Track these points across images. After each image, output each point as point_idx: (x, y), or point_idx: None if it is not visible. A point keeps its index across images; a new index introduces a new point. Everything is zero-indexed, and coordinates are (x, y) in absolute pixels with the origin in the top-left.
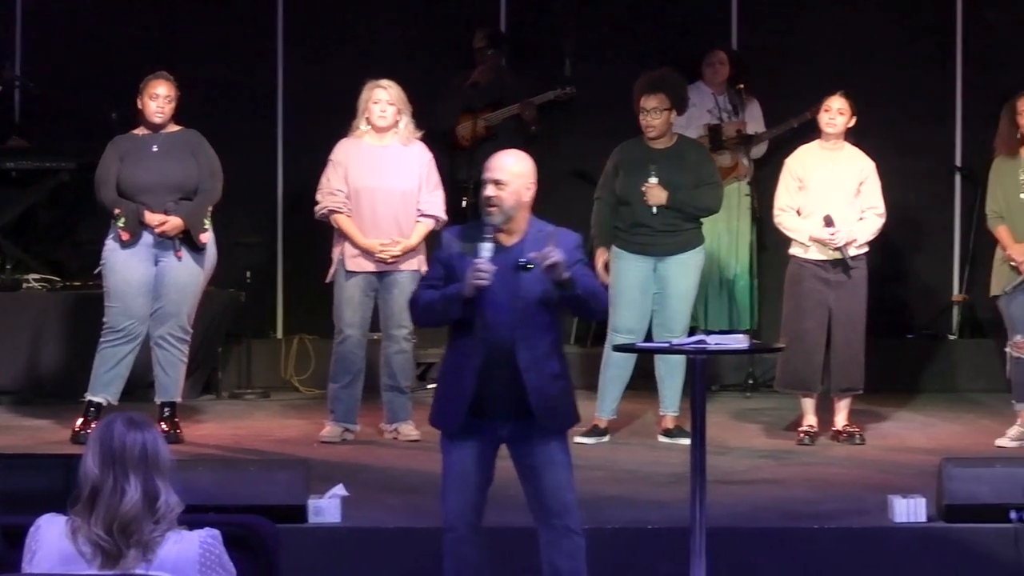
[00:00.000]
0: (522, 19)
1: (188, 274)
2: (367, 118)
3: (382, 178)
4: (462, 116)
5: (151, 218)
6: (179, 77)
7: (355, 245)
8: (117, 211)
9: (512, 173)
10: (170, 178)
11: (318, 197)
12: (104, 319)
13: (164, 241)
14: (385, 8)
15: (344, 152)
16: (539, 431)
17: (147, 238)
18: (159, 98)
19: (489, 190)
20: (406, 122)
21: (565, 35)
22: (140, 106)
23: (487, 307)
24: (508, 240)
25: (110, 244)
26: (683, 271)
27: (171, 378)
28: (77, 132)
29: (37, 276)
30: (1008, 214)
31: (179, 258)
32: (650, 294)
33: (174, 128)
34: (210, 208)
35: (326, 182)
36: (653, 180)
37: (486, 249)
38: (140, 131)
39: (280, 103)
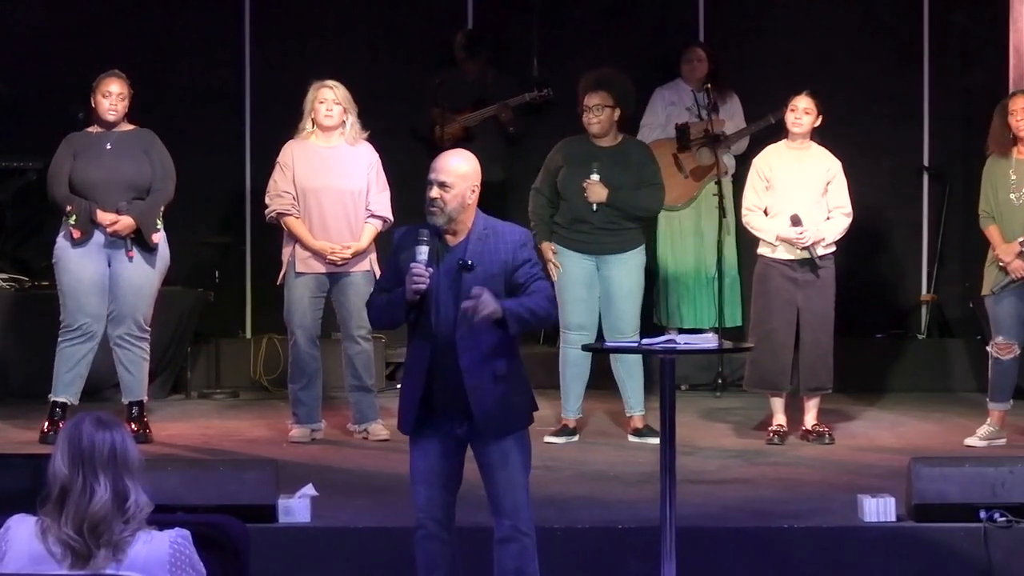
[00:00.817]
0: (489, 19)
1: (141, 275)
2: (313, 118)
3: (330, 179)
4: (438, 116)
5: (103, 217)
6: (147, 77)
7: (306, 247)
8: (69, 208)
9: (458, 175)
10: (123, 176)
11: (267, 200)
12: (60, 318)
13: (116, 240)
14: (353, 8)
15: (290, 154)
16: (495, 429)
17: (99, 237)
18: (112, 96)
19: (434, 192)
20: (352, 122)
21: (533, 35)
22: (93, 104)
23: (434, 308)
24: (453, 240)
25: (61, 242)
26: (625, 270)
27: (135, 377)
28: (44, 131)
29: (5, 276)
30: (998, 214)
31: (130, 258)
32: (595, 291)
33: (128, 127)
34: (162, 208)
35: (273, 185)
36: (595, 177)
37: (422, 253)
38: (94, 129)
39: (248, 103)
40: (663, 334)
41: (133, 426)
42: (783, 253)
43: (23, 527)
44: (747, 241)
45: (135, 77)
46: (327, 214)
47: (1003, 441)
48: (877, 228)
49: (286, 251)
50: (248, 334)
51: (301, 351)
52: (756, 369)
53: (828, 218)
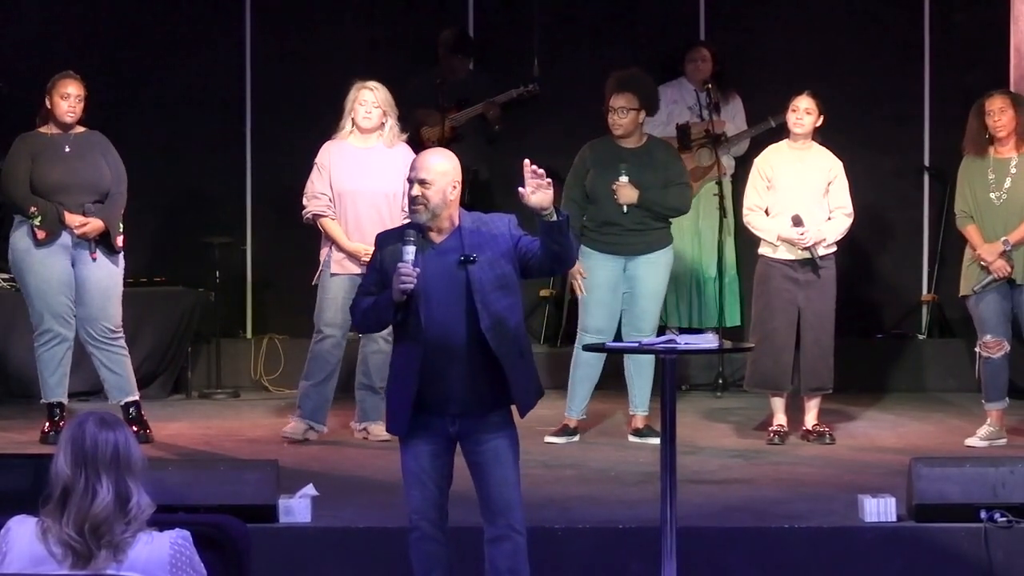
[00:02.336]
0: (490, 18)
1: (107, 276)
2: (352, 119)
3: (365, 180)
4: (425, 116)
5: (71, 219)
6: (147, 78)
7: (340, 248)
8: (33, 209)
9: (437, 172)
10: (86, 179)
11: (304, 202)
12: (32, 321)
13: (80, 242)
14: (353, 6)
15: (328, 155)
16: (487, 427)
17: (64, 238)
18: (71, 97)
19: (415, 190)
20: (391, 124)
21: (533, 33)
22: (49, 105)
23: (428, 306)
24: (438, 238)
25: (23, 243)
26: (653, 270)
27: (121, 376)
28: None
29: (5, 276)
30: (977, 214)
31: (94, 259)
32: (619, 293)
33: (80, 129)
34: (122, 211)
35: (311, 186)
36: (624, 179)
37: (408, 252)
38: (48, 130)
39: (248, 102)
40: (664, 334)
41: (133, 427)
42: (784, 253)
43: (24, 528)
44: (747, 241)
45: (135, 77)
46: (362, 216)
47: (1004, 441)
48: (878, 228)
49: (323, 251)
50: (248, 334)
51: (324, 349)
52: (757, 369)
53: (829, 218)
